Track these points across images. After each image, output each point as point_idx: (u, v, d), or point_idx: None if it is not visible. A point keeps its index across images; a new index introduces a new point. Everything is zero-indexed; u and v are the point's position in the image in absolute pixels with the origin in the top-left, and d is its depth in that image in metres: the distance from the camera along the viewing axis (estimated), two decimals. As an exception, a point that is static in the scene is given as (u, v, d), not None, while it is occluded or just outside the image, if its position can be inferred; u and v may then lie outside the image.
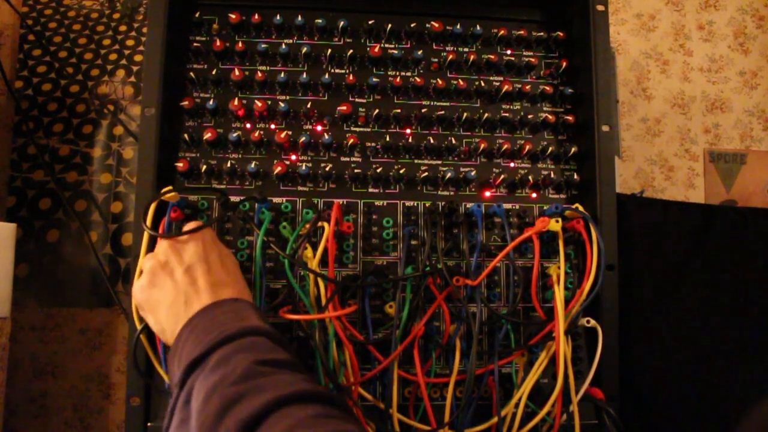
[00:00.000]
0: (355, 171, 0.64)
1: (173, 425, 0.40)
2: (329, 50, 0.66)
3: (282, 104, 0.64)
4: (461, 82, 0.67)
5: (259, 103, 0.63)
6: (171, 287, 0.49)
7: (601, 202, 0.64)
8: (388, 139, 0.65)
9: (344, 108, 0.64)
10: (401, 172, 0.65)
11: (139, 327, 0.55)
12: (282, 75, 0.65)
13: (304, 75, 0.66)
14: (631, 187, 1.15)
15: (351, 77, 0.66)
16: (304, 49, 0.66)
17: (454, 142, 0.66)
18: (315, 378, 0.57)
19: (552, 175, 0.68)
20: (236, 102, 0.64)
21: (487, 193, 0.66)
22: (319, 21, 0.66)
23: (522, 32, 0.70)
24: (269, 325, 0.46)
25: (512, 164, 0.68)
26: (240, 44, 0.65)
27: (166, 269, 0.50)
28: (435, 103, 0.68)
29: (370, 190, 0.65)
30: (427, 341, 0.61)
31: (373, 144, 0.66)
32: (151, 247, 0.58)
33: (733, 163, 1.17)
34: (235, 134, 0.63)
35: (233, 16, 0.66)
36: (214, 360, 0.41)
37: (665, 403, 0.70)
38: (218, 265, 0.51)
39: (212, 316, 0.46)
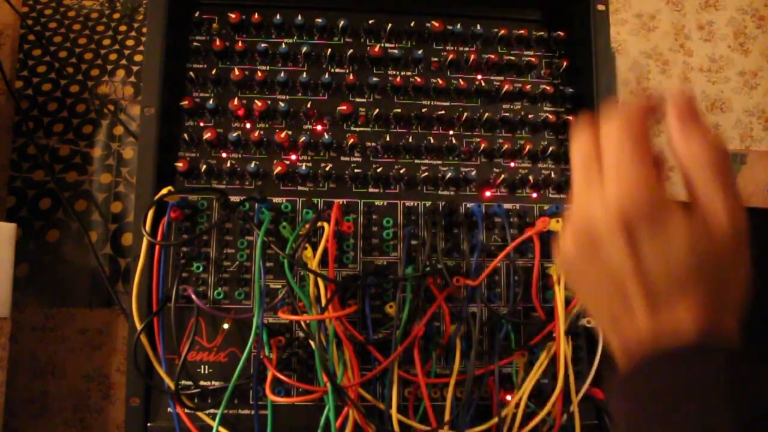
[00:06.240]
0: (355, 171, 0.64)
1: None
2: (329, 50, 0.66)
3: (282, 104, 0.64)
4: (461, 82, 0.67)
5: (259, 103, 0.63)
6: (599, 273, 0.32)
7: (601, 202, 0.64)
8: (388, 139, 0.65)
9: (344, 108, 0.64)
10: (401, 172, 0.65)
11: (139, 327, 0.55)
12: (282, 75, 0.65)
13: (304, 75, 0.66)
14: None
15: (351, 77, 0.66)
16: (304, 49, 0.66)
17: (454, 141, 0.66)
18: (314, 378, 0.57)
19: (552, 175, 0.67)
20: (236, 102, 0.64)
21: (488, 193, 0.66)
22: (319, 21, 0.66)
23: (522, 32, 0.69)
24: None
25: (513, 164, 0.68)
26: (240, 44, 0.65)
27: (599, 244, 0.32)
28: (435, 102, 0.68)
29: (370, 190, 0.65)
30: (427, 341, 0.61)
31: (374, 144, 0.66)
32: (151, 250, 0.58)
33: (733, 163, 1.17)
34: (235, 134, 0.63)
35: (233, 16, 0.66)
36: None
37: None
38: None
39: (655, 388, 0.29)
